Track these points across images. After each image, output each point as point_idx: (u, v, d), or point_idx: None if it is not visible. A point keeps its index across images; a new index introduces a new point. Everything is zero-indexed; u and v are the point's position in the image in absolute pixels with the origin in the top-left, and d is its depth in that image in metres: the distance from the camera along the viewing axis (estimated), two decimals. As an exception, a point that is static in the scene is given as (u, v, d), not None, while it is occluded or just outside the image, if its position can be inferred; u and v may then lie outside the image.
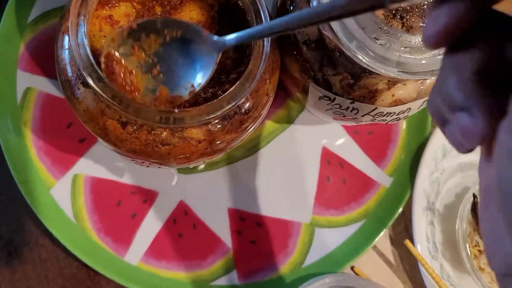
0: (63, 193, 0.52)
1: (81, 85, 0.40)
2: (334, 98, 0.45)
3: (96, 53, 0.40)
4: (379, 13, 0.40)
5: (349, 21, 0.40)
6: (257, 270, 0.54)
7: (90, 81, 0.37)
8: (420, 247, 0.55)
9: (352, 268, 0.56)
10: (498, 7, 0.22)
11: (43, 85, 0.53)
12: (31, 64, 0.53)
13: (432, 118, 0.26)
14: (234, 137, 0.43)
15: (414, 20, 0.40)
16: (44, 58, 0.52)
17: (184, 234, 0.54)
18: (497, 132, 0.21)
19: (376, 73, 0.41)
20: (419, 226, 0.56)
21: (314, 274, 0.55)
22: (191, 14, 0.43)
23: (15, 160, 0.51)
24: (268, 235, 0.55)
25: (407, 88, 0.44)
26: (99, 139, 0.42)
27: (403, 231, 0.58)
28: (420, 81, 0.44)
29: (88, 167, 0.53)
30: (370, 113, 0.46)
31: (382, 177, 0.58)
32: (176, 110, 0.37)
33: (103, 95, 0.37)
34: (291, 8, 0.45)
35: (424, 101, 0.46)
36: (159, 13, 0.42)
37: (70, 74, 0.41)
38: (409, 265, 0.57)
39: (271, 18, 0.46)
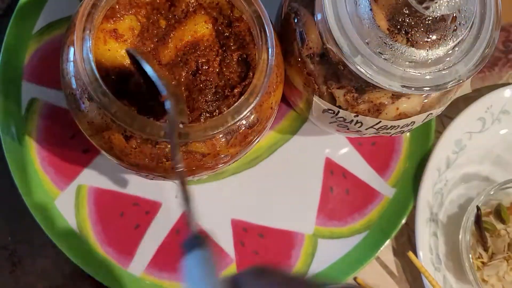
0: (67, 204, 0.52)
1: (86, 99, 0.40)
2: (338, 112, 0.45)
3: (101, 66, 0.40)
4: (384, 27, 0.40)
5: (354, 35, 0.40)
6: (260, 281, 0.54)
7: (95, 96, 0.37)
8: (423, 258, 0.55)
9: (355, 279, 0.56)
10: None
11: (48, 96, 0.53)
12: (36, 75, 0.53)
13: None
14: (238, 151, 0.43)
15: (419, 35, 0.40)
16: (49, 69, 0.52)
17: (187, 245, 0.54)
18: None
19: (380, 87, 0.41)
20: (422, 237, 0.56)
21: (317, 285, 0.54)
22: (195, 28, 0.43)
23: (19, 170, 0.51)
24: (271, 246, 0.55)
25: (411, 101, 0.44)
26: (103, 152, 0.42)
27: (406, 242, 0.58)
28: (424, 94, 0.44)
29: (92, 177, 0.53)
30: (374, 127, 0.46)
31: (385, 188, 0.58)
32: (181, 126, 0.37)
33: (108, 109, 0.37)
34: (295, 21, 0.45)
35: (428, 114, 0.46)
36: (164, 27, 0.42)
37: (75, 87, 0.41)
38: (412, 277, 0.57)
39: (275, 31, 0.46)
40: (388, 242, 0.56)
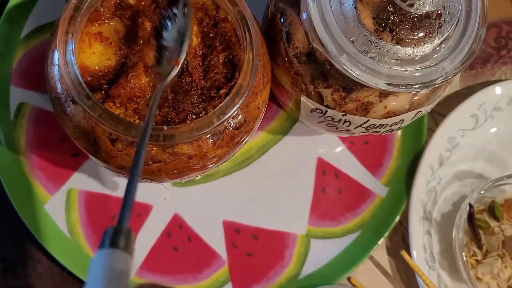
0: (57, 208, 0.52)
1: (71, 102, 0.40)
2: (326, 111, 0.45)
3: (85, 70, 0.40)
4: (369, 26, 0.40)
5: (339, 34, 0.40)
6: (253, 282, 0.54)
7: (79, 99, 0.37)
8: (417, 257, 0.55)
9: (348, 279, 0.56)
10: None
11: (36, 100, 0.53)
12: (24, 79, 0.53)
13: None
14: (225, 152, 0.43)
15: (404, 33, 0.40)
16: (37, 73, 0.52)
17: (179, 248, 0.53)
18: None
19: (367, 86, 0.41)
20: (416, 236, 0.55)
21: (310, 286, 0.54)
22: (180, 29, 0.42)
23: (8, 175, 0.51)
24: (263, 247, 0.55)
25: (399, 99, 0.44)
26: (90, 155, 0.42)
27: (400, 241, 0.57)
28: (412, 92, 0.44)
29: (82, 181, 0.53)
30: (363, 125, 0.46)
31: (378, 187, 0.57)
32: (165, 127, 0.37)
33: (92, 113, 0.37)
34: (282, 20, 0.45)
35: (417, 112, 0.46)
36: (149, 29, 0.42)
37: (60, 91, 0.41)
38: (406, 276, 0.57)
39: (261, 31, 0.46)
40: (381, 241, 0.55)
